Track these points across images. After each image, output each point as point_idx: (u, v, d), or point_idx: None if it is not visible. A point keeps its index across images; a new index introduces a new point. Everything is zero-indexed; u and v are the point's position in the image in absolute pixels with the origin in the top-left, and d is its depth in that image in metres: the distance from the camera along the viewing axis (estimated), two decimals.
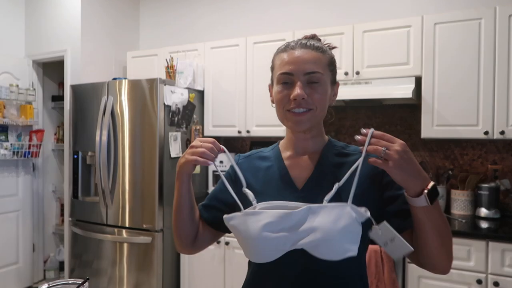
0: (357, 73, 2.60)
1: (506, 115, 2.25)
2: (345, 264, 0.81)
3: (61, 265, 3.71)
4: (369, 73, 2.57)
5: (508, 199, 2.50)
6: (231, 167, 1.02)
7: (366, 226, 0.82)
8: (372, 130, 0.77)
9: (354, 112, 2.97)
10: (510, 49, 2.24)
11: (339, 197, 0.84)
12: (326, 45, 0.96)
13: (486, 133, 2.29)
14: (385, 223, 0.79)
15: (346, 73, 2.62)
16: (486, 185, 2.42)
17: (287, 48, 0.92)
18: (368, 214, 0.80)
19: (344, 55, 2.64)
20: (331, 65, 0.93)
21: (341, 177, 0.85)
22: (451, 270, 2.06)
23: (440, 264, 0.84)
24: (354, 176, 0.82)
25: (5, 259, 3.38)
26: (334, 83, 0.95)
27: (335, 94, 0.96)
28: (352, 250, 0.78)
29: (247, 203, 0.89)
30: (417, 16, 2.48)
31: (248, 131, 2.99)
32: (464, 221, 2.32)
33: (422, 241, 0.81)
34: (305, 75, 0.87)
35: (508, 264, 1.98)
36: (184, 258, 2.90)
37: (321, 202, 0.84)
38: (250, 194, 0.89)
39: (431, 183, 0.77)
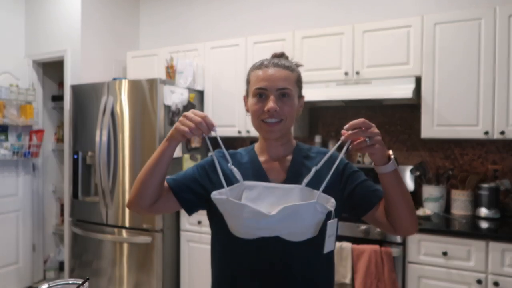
0: (357, 73, 2.60)
1: (506, 115, 2.25)
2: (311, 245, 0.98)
3: (61, 265, 3.71)
4: (369, 73, 2.57)
5: (508, 199, 2.49)
6: (218, 152, 1.12)
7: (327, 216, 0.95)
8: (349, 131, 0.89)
9: (354, 112, 2.96)
10: (510, 49, 2.24)
11: (315, 182, 0.96)
12: (294, 63, 1.12)
13: (486, 133, 2.29)
14: (336, 220, 0.97)
15: (346, 73, 2.62)
16: (486, 185, 2.42)
17: (261, 66, 1.07)
18: (333, 207, 0.92)
19: (344, 55, 2.64)
20: (298, 81, 1.10)
21: (313, 178, 0.97)
22: (451, 270, 2.07)
23: (409, 223, 0.99)
24: (325, 170, 0.96)
25: (5, 259, 3.38)
26: (300, 97, 1.11)
27: (302, 106, 1.12)
28: (311, 233, 0.93)
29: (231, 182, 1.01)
30: (417, 16, 2.48)
31: (248, 131, 2.99)
32: (464, 221, 2.32)
33: (393, 204, 0.97)
34: (277, 90, 1.03)
35: (508, 264, 1.98)
36: (184, 258, 2.90)
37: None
38: (236, 171, 0.99)
39: (389, 150, 0.95)
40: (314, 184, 0.96)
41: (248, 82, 1.12)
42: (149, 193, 1.03)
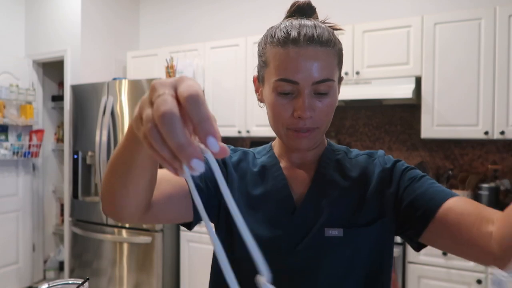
0: (357, 73, 2.60)
1: (506, 115, 2.25)
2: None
3: (61, 265, 3.71)
4: (369, 73, 2.57)
5: (508, 199, 2.49)
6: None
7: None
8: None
9: (354, 112, 2.97)
10: (510, 49, 2.24)
11: (345, 201, 0.74)
12: (331, 26, 0.75)
13: (486, 133, 2.29)
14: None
15: (346, 73, 2.63)
16: (486, 185, 2.42)
17: (287, 41, 0.68)
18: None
19: (344, 55, 2.62)
20: (340, 61, 0.74)
21: (342, 193, 0.75)
22: (451, 270, 2.07)
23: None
24: (360, 196, 0.73)
25: (5, 259, 3.38)
26: (340, 81, 0.76)
27: (339, 91, 0.77)
28: None
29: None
30: (417, 16, 2.48)
31: (248, 131, 2.99)
32: None
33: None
34: (313, 84, 0.67)
35: None
36: (184, 258, 2.90)
37: (320, 228, 0.73)
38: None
39: None
40: (343, 205, 0.74)
41: (263, 61, 0.73)
42: (138, 198, 0.61)
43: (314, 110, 0.69)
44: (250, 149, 0.87)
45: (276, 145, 0.85)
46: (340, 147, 0.84)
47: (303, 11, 0.74)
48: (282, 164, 0.81)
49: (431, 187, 0.70)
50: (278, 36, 0.69)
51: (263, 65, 0.73)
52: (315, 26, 0.69)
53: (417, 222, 0.68)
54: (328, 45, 0.69)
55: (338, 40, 0.73)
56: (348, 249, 0.72)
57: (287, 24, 0.70)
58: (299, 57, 0.67)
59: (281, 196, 0.77)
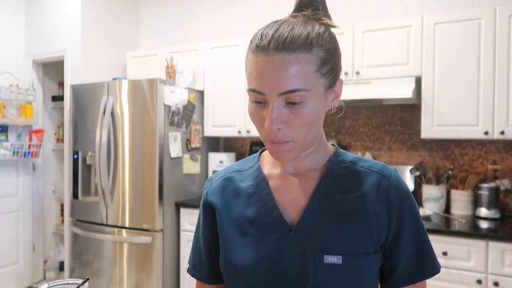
0: (357, 73, 2.60)
1: (506, 115, 2.25)
2: None
3: (61, 265, 3.71)
4: (369, 73, 2.57)
5: (508, 199, 2.50)
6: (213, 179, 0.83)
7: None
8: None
9: (354, 112, 2.97)
10: (510, 49, 2.24)
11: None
12: (325, 23, 0.68)
13: (486, 133, 2.29)
14: None
15: (346, 73, 2.63)
16: (486, 185, 2.42)
17: (258, 48, 0.64)
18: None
19: (344, 55, 2.62)
20: (325, 64, 0.65)
21: (343, 215, 0.70)
22: (451, 270, 2.07)
23: None
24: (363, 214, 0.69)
25: (5, 259, 3.38)
26: (332, 87, 0.69)
27: (337, 97, 0.73)
28: None
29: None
30: (417, 16, 2.48)
31: (248, 131, 2.99)
32: (464, 221, 2.32)
33: None
34: (280, 95, 0.63)
35: (508, 264, 1.98)
36: (184, 258, 2.89)
37: (319, 257, 0.68)
38: None
39: None
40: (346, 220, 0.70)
41: (245, 65, 0.71)
42: None
43: (285, 123, 0.64)
44: (234, 167, 0.82)
45: (266, 153, 0.81)
46: (349, 156, 0.77)
47: (306, 6, 0.68)
48: (274, 172, 0.76)
49: (411, 258, 0.70)
50: (253, 43, 0.66)
51: (246, 70, 0.71)
52: (292, 29, 0.63)
53: (380, 274, 0.73)
54: (303, 50, 0.62)
55: (326, 41, 0.65)
56: (346, 277, 0.67)
57: (264, 29, 0.66)
58: (265, 66, 0.63)
59: (272, 218, 0.72)
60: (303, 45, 0.62)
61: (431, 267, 0.71)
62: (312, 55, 0.63)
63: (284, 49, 0.62)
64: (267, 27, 0.66)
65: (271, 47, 0.62)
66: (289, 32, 0.63)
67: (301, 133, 0.65)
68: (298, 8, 0.69)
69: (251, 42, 0.67)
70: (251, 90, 0.66)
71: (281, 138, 0.65)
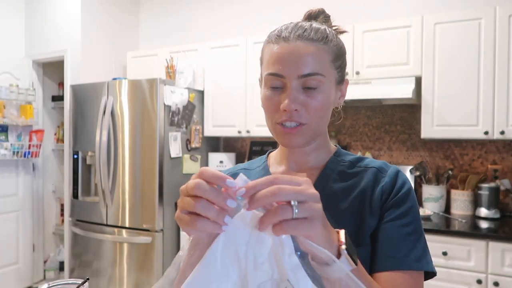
0: (357, 73, 2.60)
1: (506, 115, 2.25)
2: None
3: (61, 265, 3.71)
4: (369, 73, 2.57)
5: (508, 199, 2.50)
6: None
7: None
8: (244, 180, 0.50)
9: (354, 112, 2.97)
10: (510, 49, 2.24)
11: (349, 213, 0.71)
12: (335, 29, 0.76)
13: (486, 133, 2.29)
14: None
15: (346, 73, 2.62)
16: (486, 185, 2.42)
17: (278, 38, 0.70)
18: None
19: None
20: (338, 59, 0.73)
21: (341, 211, 0.71)
22: (451, 270, 2.07)
23: None
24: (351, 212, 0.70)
25: (5, 259, 3.38)
26: (341, 82, 0.75)
27: (343, 96, 0.77)
28: None
29: None
30: (417, 16, 2.48)
31: (248, 131, 2.99)
32: (464, 221, 2.32)
33: None
34: (299, 78, 0.67)
35: (508, 264, 1.98)
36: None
37: None
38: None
39: (341, 233, 0.54)
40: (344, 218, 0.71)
41: (261, 61, 0.75)
42: None
43: (302, 105, 0.68)
44: (241, 166, 0.87)
45: (273, 154, 0.84)
46: (349, 157, 0.79)
47: (314, 18, 0.76)
48: (279, 169, 0.79)
49: (395, 242, 0.67)
50: (272, 34, 0.72)
51: (260, 63, 0.76)
52: (311, 25, 0.71)
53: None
54: (320, 41, 0.69)
55: (338, 39, 0.75)
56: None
57: (283, 25, 0.72)
58: (287, 51, 0.68)
59: None
60: (321, 37, 0.70)
61: (414, 259, 0.66)
62: (328, 47, 0.70)
63: (304, 39, 0.68)
64: (285, 24, 0.73)
65: (293, 36, 0.69)
66: (309, 26, 0.70)
67: (315, 117, 0.69)
68: (307, 20, 0.76)
69: (268, 37, 0.73)
70: (270, 75, 0.69)
71: (297, 118, 0.68)
